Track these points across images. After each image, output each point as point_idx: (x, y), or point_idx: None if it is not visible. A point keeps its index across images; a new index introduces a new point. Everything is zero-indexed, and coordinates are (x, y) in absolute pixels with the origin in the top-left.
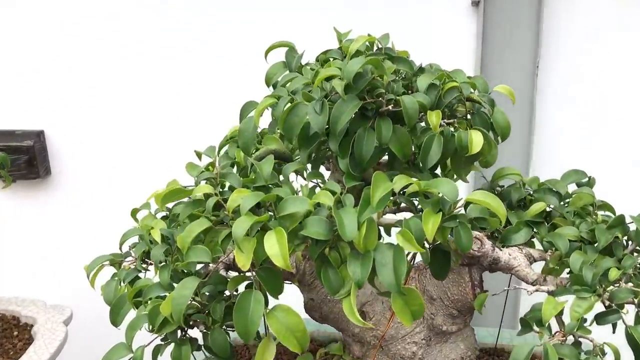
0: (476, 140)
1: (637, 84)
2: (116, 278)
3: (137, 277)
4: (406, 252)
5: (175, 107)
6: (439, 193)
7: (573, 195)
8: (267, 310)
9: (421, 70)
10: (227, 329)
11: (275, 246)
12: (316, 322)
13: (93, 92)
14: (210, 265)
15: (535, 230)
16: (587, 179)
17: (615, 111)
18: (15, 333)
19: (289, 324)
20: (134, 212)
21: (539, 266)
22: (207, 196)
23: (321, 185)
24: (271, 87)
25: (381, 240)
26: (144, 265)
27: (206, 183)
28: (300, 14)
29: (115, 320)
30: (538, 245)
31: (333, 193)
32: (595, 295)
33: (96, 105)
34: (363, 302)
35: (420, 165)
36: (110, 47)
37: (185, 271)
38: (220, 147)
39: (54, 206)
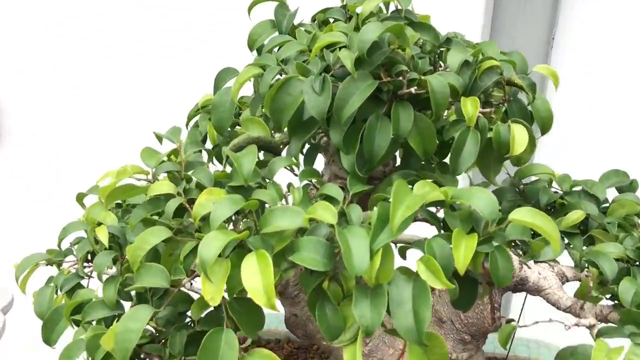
0: (520, 138)
1: None
2: (52, 284)
3: (79, 285)
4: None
5: (136, 81)
6: (469, 206)
7: (614, 202)
8: (242, 356)
9: (448, 41)
10: None
11: (256, 276)
12: (300, 340)
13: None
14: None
15: (567, 241)
16: (629, 181)
17: (636, 89)
18: None
19: None
20: (79, 197)
21: (570, 287)
22: (168, 197)
23: (316, 184)
24: (255, 52)
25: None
26: (87, 270)
27: (167, 177)
28: None
29: (48, 338)
30: (568, 258)
31: (332, 200)
32: None
33: (53, 78)
34: None
35: (449, 166)
36: (66, 17)
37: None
38: (189, 119)
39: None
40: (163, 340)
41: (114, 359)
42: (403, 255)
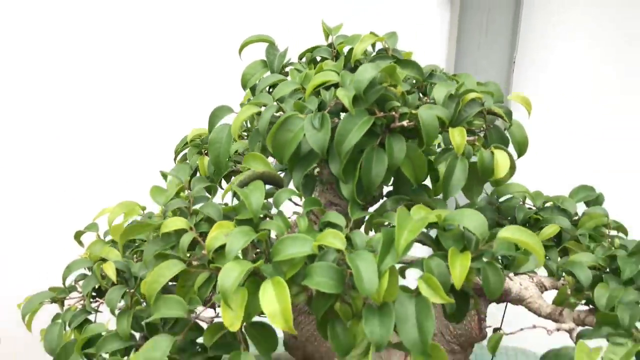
0: (502, 162)
1: (616, 80)
2: (59, 321)
3: (87, 321)
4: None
5: (128, 101)
6: (459, 225)
7: (584, 215)
8: None
9: (431, 76)
10: None
11: (273, 302)
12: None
13: (42, 86)
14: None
15: (544, 254)
16: (596, 195)
17: (594, 108)
18: None
19: None
20: (77, 235)
21: (548, 295)
22: (179, 231)
23: (317, 213)
24: (248, 90)
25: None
26: (94, 305)
27: (176, 214)
28: (264, 5)
29: None
30: (544, 270)
31: (336, 227)
32: (632, 340)
33: (47, 96)
34: None
35: (441, 191)
36: (65, 37)
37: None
38: (177, 153)
39: None
40: None
41: None
42: (402, 274)
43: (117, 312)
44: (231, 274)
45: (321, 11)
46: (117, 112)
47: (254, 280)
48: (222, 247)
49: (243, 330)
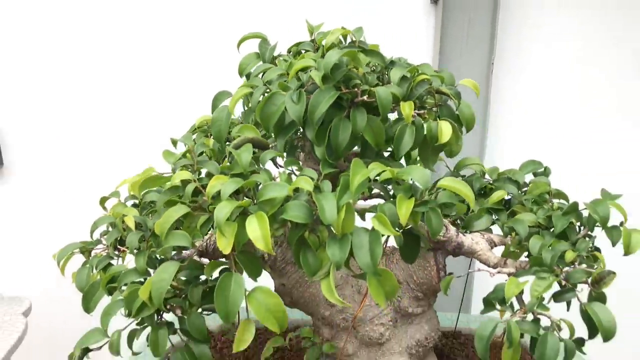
0: (445, 130)
1: (582, 79)
2: (87, 265)
3: (110, 264)
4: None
5: (133, 99)
6: (410, 179)
7: (530, 184)
8: (247, 292)
9: (392, 63)
10: (203, 312)
11: (257, 230)
12: (287, 306)
13: (47, 86)
14: (185, 252)
15: (495, 216)
16: (543, 168)
17: (565, 105)
18: None
19: (269, 305)
20: (102, 201)
21: (499, 250)
22: (185, 183)
23: (297, 172)
24: (244, 78)
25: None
26: (116, 253)
27: (183, 170)
28: (264, 7)
29: (87, 307)
30: (498, 231)
31: (311, 179)
32: (553, 275)
33: (50, 98)
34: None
35: (393, 154)
36: (63, 40)
37: (160, 257)
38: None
39: (6, 197)
40: (183, 295)
41: (147, 308)
42: (362, 217)
43: (135, 252)
44: (224, 209)
45: (308, 15)
46: (139, 102)
47: (242, 217)
48: (219, 194)
49: (235, 258)
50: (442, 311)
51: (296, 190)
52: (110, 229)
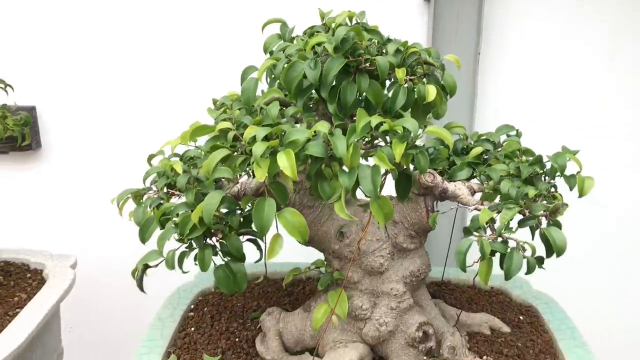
0: (431, 91)
1: (565, 71)
2: (142, 205)
3: (161, 204)
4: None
5: (160, 83)
6: (403, 129)
7: (504, 143)
8: (278, 213)
9: (389, 40)
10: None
11: (285, 162)
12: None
13: (83, 71)
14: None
15: (475, 169)
16: (515, 131)
17: (544, 87)
18: (28, 275)
19: (294, 222)
20: (150, 158)
21: (478, 196)
22: (227, 131)
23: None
24: (268, 54)
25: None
26: (166, 193)
27: (224, 122)
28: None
29: (143, 237)
30: (477, 181)
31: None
32: (518, 206)
33: (86, 83)
34: (341, 224)
35: (389, 109)
36: (99, 24)
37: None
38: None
39: (45, 175)
40: (225, 222)
41: (197, 230)
42: (366, 158)
43: (184, 190)
44: (260, 147)
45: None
46: (158, 92)
47: (273, 156)
48: (254, 139)
49: (268, 187)
50: (433, 265)
51: (314, 133)
52: (159, 178)
